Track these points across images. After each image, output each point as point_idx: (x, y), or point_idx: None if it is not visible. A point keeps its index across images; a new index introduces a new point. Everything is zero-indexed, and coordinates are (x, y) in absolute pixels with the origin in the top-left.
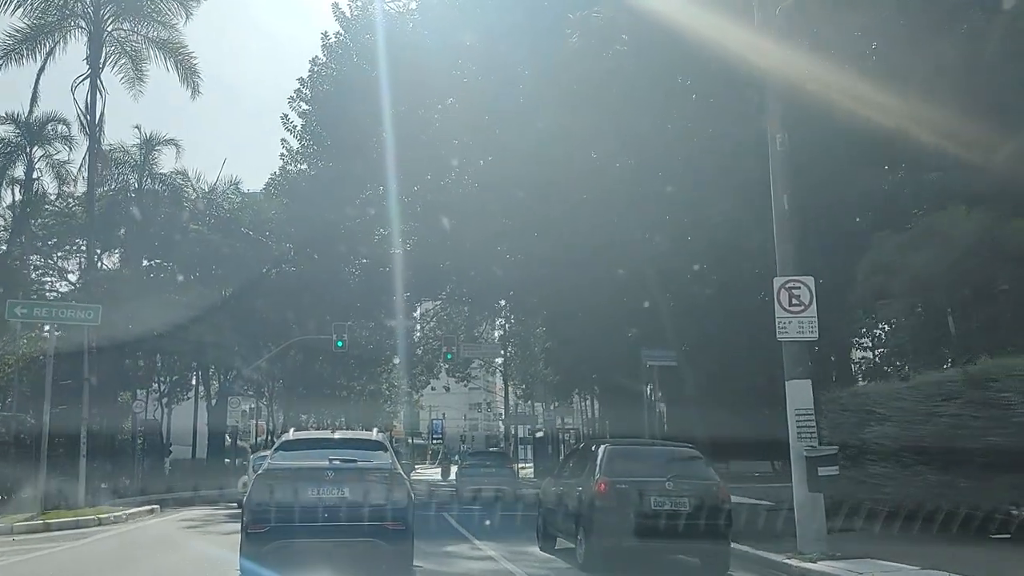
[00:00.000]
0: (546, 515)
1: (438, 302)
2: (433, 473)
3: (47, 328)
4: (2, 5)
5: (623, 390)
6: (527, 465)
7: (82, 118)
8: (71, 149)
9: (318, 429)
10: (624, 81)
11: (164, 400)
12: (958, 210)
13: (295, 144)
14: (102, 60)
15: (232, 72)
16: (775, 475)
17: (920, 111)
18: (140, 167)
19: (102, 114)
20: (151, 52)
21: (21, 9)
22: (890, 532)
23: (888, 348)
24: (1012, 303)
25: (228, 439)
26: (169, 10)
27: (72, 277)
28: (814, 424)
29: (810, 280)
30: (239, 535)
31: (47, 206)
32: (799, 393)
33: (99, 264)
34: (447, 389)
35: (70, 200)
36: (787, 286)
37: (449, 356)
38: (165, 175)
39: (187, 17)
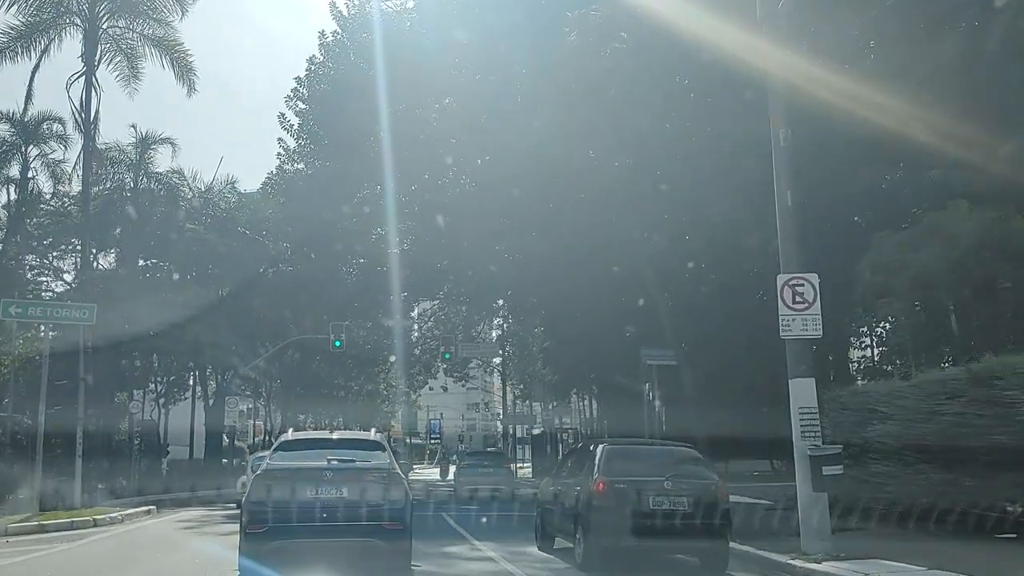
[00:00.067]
0: (544, 515)
1: (436, 302)
2: (431, 473)
3: (43, 328)
4: None
5: (622, 389)
6: (525, 465)
7: (77, 116)
8: (66, 148)
9: (316, 429)
10: (623, 80)
11: (161, 400)
12: (960, 208)
13: (292, 143)
14: (97, 58)
15: (228, 70)
16: (774, 474)
17: (920, 110)
18: (136, 166)
19: (97, 112)
20: (147, 49)
21: (16, 6)
22: (893, 531)
23: (888, 347)
24: (1013, 301)
25: (225, 439)
26: (164, 7)
27: (68, 277)
28: (818, 423)
29: (814, 277)
30: (237, 535)
31: (42, 205)
32: (803, 391)
33: (95, 263)
34: (445, 389)
35: (65, 199)
36: (791, 283)
37: (447, 356)
38: (161, 174)
39: (183, 14)
